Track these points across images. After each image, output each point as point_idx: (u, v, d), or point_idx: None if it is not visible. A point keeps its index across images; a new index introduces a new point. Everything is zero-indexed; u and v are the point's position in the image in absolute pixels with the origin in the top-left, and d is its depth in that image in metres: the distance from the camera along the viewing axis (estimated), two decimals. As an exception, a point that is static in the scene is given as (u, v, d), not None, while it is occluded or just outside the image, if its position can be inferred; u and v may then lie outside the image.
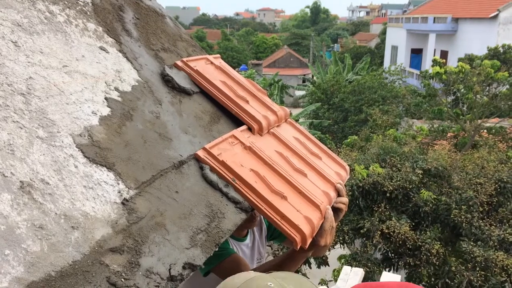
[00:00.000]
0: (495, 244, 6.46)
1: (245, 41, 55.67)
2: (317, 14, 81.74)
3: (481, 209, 6.81)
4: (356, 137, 12.14)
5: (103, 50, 1.51)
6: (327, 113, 20.00)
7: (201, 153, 1.49)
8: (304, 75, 35.29)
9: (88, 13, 1.57)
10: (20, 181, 1.00)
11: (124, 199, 1.16)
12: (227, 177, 1.46)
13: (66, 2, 1.51)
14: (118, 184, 1.18)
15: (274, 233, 2.35)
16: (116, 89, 1.43)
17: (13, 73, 1.17)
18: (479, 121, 11.32)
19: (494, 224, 6.78)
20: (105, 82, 1.41)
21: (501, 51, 16.19)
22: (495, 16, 21.74)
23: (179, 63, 1.79)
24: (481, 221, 6.73)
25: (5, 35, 1.23)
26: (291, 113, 2.36)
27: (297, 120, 18.31)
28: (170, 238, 1.17)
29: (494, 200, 6.95)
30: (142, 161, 1.30)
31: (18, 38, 1.25)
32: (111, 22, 1.63)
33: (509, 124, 11.82)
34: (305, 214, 1.52)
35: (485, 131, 11.51)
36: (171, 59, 1.80)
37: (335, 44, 54.48)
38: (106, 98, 1.36)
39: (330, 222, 1.64)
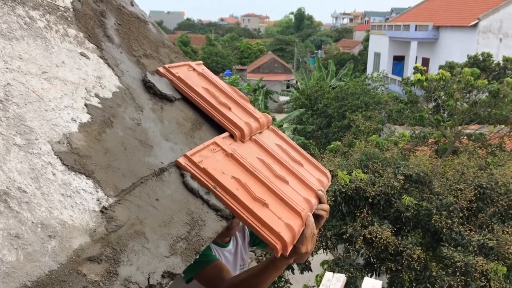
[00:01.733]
0: (475, 249, 6.56)
1: (229, 46, 55.77)
2: (301, 21, 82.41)
3: (461, 214, 6.91)
4: (339, 143, 12.24)
5: (84, 56, 1.49)
6: (311, 118, 20.13)
7: (182, 160, 1.48)
8: (288, 80, 35.47)
9: (69, 18, 1.55)
10: (-4, 189, 0.98)
11: (103, 207, 1.15)
12: (208, 184, 1.46)
13: (46, 8, 1.49)
14: (97, 192, 1.17)
15: (257, 239, 2.35)
16: (97, 95, 1.42)
17: (-9, 79, 1.15)
18: (460, 127, 11.52)
19: (474, 230, 6.88)
20: (85, 89, 1.40)
21: (481, 59, 16.56)
22: (475, 25, 22.22)
23: (161, 69, 1.78)
24: (461, 227, 6.83)
25: (-17, 41, 1.21)
26: (274, 119, 2.37)
27: (281, 126, 18.38)
28: (150, 246, 1.16)
29: (474, 206, 7.06)
30: (122, 169, 1.29)
31: (-4, 44, 1.23)
32: (92, 28, 1.62)
33: (488, 130, 12.06)
34: (286, 221, 1.53)
35: (465, 137, 11.72)
36: (153, 65, 1.80)
37: (319, 51, 55.02)
38: (86, 105, 1.35)
39: (311, 229, 1.65)
